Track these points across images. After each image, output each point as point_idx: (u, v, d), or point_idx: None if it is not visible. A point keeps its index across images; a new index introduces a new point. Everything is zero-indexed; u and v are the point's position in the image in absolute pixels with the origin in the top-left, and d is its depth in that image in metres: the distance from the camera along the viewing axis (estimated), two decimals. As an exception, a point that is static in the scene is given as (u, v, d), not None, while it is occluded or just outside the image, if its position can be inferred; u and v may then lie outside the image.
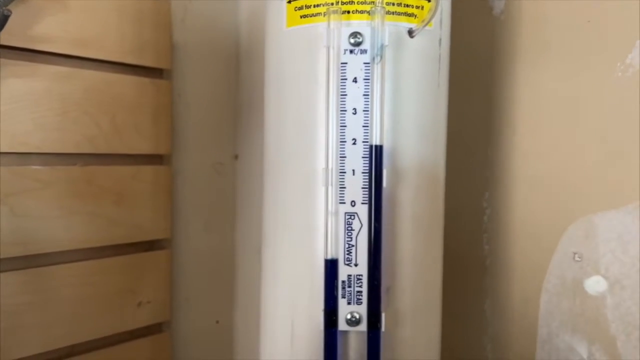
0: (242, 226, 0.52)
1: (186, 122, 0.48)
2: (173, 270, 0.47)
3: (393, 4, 0.26)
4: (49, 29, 0.37)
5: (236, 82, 0.52)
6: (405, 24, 0.27)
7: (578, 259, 0.33)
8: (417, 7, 0.27)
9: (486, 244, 0.38)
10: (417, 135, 0.28)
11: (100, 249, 0.42)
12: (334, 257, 0.26)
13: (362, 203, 0.26)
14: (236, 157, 0.53)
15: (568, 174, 0.34)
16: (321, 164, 0.27)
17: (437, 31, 0.28)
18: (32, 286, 0.38)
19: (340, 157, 0.26)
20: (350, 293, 0.26)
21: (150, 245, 0.45)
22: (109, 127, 0.41)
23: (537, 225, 0.35)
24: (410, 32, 0.27)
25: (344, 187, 0.26)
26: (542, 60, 0.35)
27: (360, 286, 0.26)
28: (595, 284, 0.32)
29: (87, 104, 0.40)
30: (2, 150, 0.36)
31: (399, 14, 0.27)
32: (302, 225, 0.28)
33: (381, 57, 0.26)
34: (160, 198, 0.45)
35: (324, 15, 0.26)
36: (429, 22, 0.27)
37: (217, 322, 0.52)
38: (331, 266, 0.26)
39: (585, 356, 0.32)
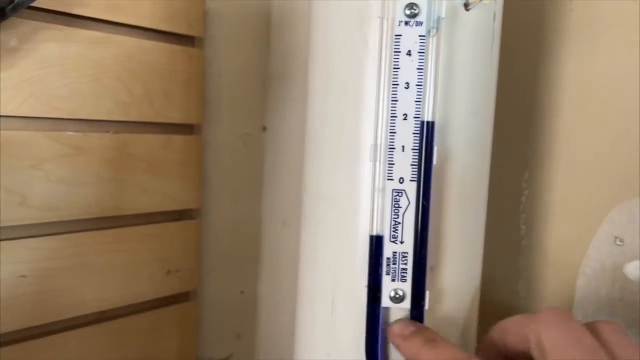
0: (268, 198, 0.52)
1: (216, 92, 0.47)
2: (201, 240, 0.47)
3: (450, -25, 0.25)
4: (84, -8, 0.36)
5: (266, 53, 0.51)
6: (462, -4, 0.26)
7: (619, 243, 0.32)
8: (476, -21, 0.26)
9: (523, 225, 0.37)
10: (468, 112, 0.27)
11: (130, 217, 0.42)
12: (380, 233, 0.26)
13: (411, 180, 0.26)
14: (264, 128, 0.52)
15: (612, 157, 0.33)
16: (367, 138, 0.27)
17: (492, 5, 0.27)
18: (63, 252, 0.38)
19: (390, 132, 0.26)
20: (395, 270, 0.26)
21: (179, 215, 0.45)
22: (141, 95, 0.41)
23: (576, 208, 0.35)
24: (466, 5, 0.26)
25: (393, 164, 0.26)
26: (593, 39, 0.34)
27: (405, 263, 0.26)
28: (635, 269, 0.32)
29: (119, 70, 0.39)
30: (37, 115, 0.36)
31: (456, -15, 0.26)
32: (346, 200, 0.28)
33: (437, 29, 0.25)
34: (190, 168, 0.45)
35: (378, -16, 0.26)
36: (487, -6, 0.26)
37: (242, 292, 0.52)
38: (377, 242, 0.26)
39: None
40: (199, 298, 0.48)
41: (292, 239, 0.50)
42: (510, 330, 0.25)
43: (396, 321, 0.26)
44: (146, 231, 0.42)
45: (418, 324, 0.26)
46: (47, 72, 0.36)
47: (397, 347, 0.26)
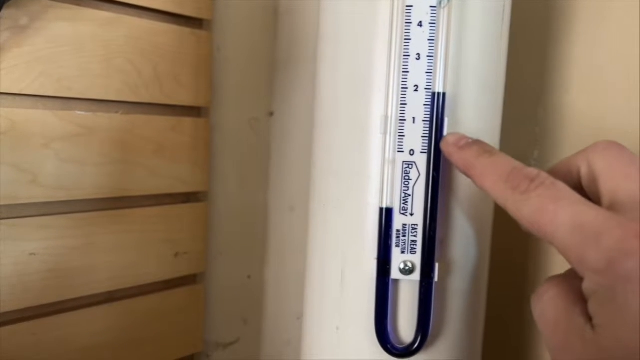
0: (275, 183, 0.52)
1: (224, 76, 0.48)
2: (209, 223, 0.47)
3: (462, -53, 0.25)
4: (94, -29, 0.37)
5: (274, 38, 0.51)
6: (473, -32, 0.26)
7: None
8: (486, -49, 0.26)
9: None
10: (478, 85, 0.27)
11: (139, 198, 0.42)
12: (390, 206, 0.26)
13: (421, 152, 0.26)
14: (271, 114, 0.52)
15: (622, 137, 0.33)
16: (377, 110, 0.27)
17: (503, -23, 0.27)
18: (73, 231, 0.38)
19: (401, 104, 0.26)
20: (405, 242, 0.26)
21: (187, 197, 0.45)
22: (150, 76, 0.41)
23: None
24: (478, -23, 0.26)
25: (403, 136, 0.26)
26: (602, 17, 0.34)
27: (415, 236, 0.26)
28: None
29: (130, 51, 0.39)
30: (49, 94, 0.36)
31: (468, -44, 0.26)
32: (355, 172, 0.28)
33: (449, 0, 0.25)
34: (199, 150, 0.45)
35: (389, -44, 0.26)
36: (498, -34, 0.26)
37: (249, 276, 0.53)
38: (387, 215, 0.26)
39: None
40: (206, 282, 0.48)
41: (299, 224, 0.50)
42: (561, 169, 0.23)
43: (450, 133, 0.26)
44: (155, 213, 0.43)
45: (475, 138, 0.25)
46: (58, 51, 0.36)
47: (450, 155, 0.25)
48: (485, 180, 0.23)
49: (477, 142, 0.25)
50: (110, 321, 0.41)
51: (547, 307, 0.20)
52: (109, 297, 0.41)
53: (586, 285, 0.19)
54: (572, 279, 0.20)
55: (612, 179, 0.21)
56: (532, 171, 0.21)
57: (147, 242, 0.42)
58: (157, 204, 0.43)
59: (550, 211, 0.20)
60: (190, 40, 0.43)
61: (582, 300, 0.20)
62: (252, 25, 0.50)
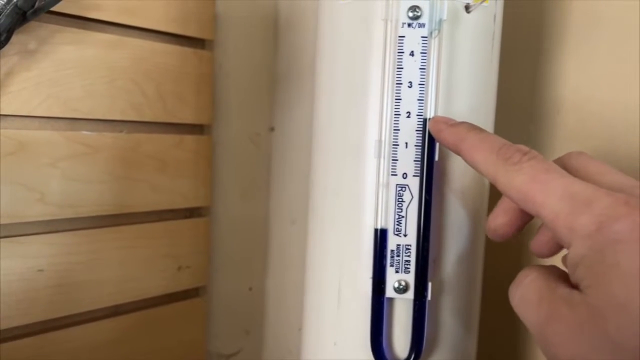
0: (275, 197, 0.53)
1: (226, 93, 0.49)
2: (210, 238, 0.48)
3: (451, -21, 0.26)
4: (99, -4, 0.38)
5: (274, 54, 0.52)
6: (463, -1, 0.27)
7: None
8: (475, -18, 0.27)
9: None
10: (469, 111, 0.28)
11: (143, 214, 0.43)
12: (384, 227, 0.27)
13: (414, 175, 0.27)
14: (272, 129, 0.53)
15: (612, 155, 0.34)
16: (372, 135, 0.28)
17: (492, 7, 0.28)
18: (80, 247, 0.39)
19: (394, 129, 0.27)
20: (399, 262, 0.27)
21: (190, 213, 0.46)
22: (153, 96, 0.42)
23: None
24: (467, 8, 0.27)
25: (396, 160, 0.27)
26: (592, 36, 0.35)
27: (409, 255, 0.27)
28: None
29: (133, 72, 0.41)
30: (56, 115, 0.37)
31: (457, -12, 0.27)
32: (351, 194, 0.29)
33: (439, 31, 0.26)
34: (201, 167, 0.46)
35: (382, -12, 0.27)
36: (487, -3, 0.27)
37: (250, 289, 0.54)
38: (381, 235, 0.27)
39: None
40: (208, 294, 0.49)
41: (299, 237, 0.51)
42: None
43: (437, 115, 0.26)
44: (158, 228, 0.44)
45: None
46: (64, 74, 0.37)
47: (440, 132, 0.25)
48: (476, 153, 0.23)
49: (466, 122, 0.25)
50: (115, 334, 0.42)
51: (527, 289, 0.21)
52: (114, 311, 0.42)
53: (574, 252, 0.19)
54: (548, 267, 0.21)
55: (588, 175, 0.22)
56: (523, 147, 0.22)
57: (150, 256, 0.43)
58: (160, 219, 0.44)
59: (542, 180, 0.20)
60: (193, 60, 0.44)
61: (562, 278, 0.20)
62: (252, 42, 0.51)
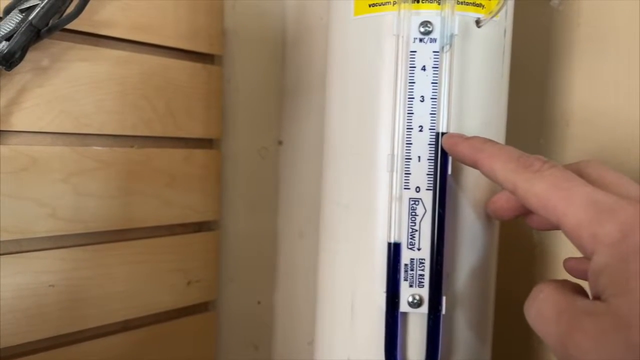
0: (284, 210, 0.53)
1: (234, 108, 0.49)
2: (220, 251, 0.48)
3: (463, -6, 0.27)
4: (111, 14, 0.38)
5: (282, 69, 0.53)
6: (473, 14, 0.27)
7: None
8: (486, -3, 0.27)
9: (536, 233, 0.38)
10: (481, 124, 0.28)
11: (153, 229, 0.43)
12: (398, 241, 0.27)
13: (427, 189, 0.27)
14: (280, 143, 0.53)
15: (623, 166, 0.34)
16: (384, 149, 0.28)
17: (502, 22, 0.29)
18: (90, 262, 0.39)
19: (407, 143, 0.27)
20: (413, 276, 0.27)
21: (199, 227, 0.46)
22: (164, 111, 0.42)
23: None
24: (478, 22, 0.27)
25: (409, 173, 0.27)
26: (601, 51, 0.35)
27: (423, 270, 0.27)
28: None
29: (144, 88, 0.41)
30: (67, 131, 0.37)
31: (468, 3, 0.27)
32: (363, 208, 0.29)
33: (450, 45, 0.26)
34: (210, 181, 0.46)
35: (393, 4, 0.27)
36: (497, 13, 0.27)
37: (259, 302, 0.53)
38: (395, 250, 0.27)
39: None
40: (217, 309, 0.49)
41: (308, 251, 0.51)
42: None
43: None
44: (167, 242, 0.44)
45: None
46: (76, 90, 0.37)
47: (455, 145, 0.25)
48: (494, 162, 0.23)
49: (480, 136, 0.26)
50: (125, 349, 0.42)
51: (543, 304, 0.21)
52: (124, 326, 0.42)
53: (598, 260, 0.19)
54: (562, 282, 0.21)
55: (606, 185, 0.22)
56: (542, 157, 0.22)
57: (160, 271, 0.43)
58: (169, 233, 0.44)
59: (564, 188, 0.20)
60: (202, 75, 0.45)
61: (577, 291, 0.20)
62: (260, 57, 0.51)
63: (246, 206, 0.51)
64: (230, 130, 0.49)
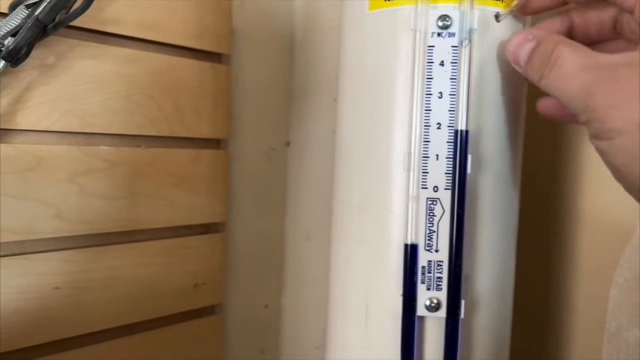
0: (291, 212, 0.53)
1: (242, 108, 0.48)
2: (226, 254, 0.47)
3: (482, -12, 0.26)
4: (118, 11, 0.38)
5: (290, 69, 0.52)
6: (492, 7, 0.26)
7: (653, 252, 0.32)
8: (506, -10, 0.26)
9: (553, 235, 0.37)
10: (500, 121, 0.27)
11: (159, 230, 0.42)
12: (414, 242, 0.26)
13: (445, 189, 0.26)
14: (288, 143, 0.53)
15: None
16: (399, 147, 0.27)
17: (522, 16, 0.28)
18: (96, 264, 0.39)
19: (424, 141, 0.26)
20: (430, 279, 0.26)
21: (206, 228, 0.45)
22: (171, 110, 0.41)
23: (609, 216, 0.34)
24: (497, 17, 0.26)
25: (427, 172, 0.26)
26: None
27: (441, 272, 0.26)
28: (670, 279, 0.31)
29: (151, 87, 0.40)
30: (73, 130, 0.37)
31: (487, -3, 0.26)
32: (378, 208, 0.28)
33: (470, 40, 0.25)
34: (217, 182, 0.45)
35: (410, -3, 0.26)
36: (516, 7, 0.26)
37: (266, 306, 0.53)
38: (412, 251, 0.26)
39: (656, 351, 0.32)
40: (223, 312, 0.48)
41: (315, 253, 0.50)
42: None
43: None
44: (174, 244, 0.43)
45: None
46: (82, 89, 0.37)
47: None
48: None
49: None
50: (131, 353, 0.41)
51: (564, 63, 0.21)
52: (130, 330, 0.41)
53: None
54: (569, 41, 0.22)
55: None
56: None
57: (166, 273, 0.42)
58: (176, 235, 0.43)
59: None
60: (210, 74, 0.44)
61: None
62: (268, 57, 0.51)
63: (253, 208, 0.50)
64: (238, 130, 0.48)
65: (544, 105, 0.26)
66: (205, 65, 0.44)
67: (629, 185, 0.20)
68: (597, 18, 0.25)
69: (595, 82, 0.20)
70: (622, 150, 0.20)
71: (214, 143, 0.46)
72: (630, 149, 0.19)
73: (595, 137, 0.21)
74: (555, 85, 0.21)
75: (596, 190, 0.35)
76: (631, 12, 0.22)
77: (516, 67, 0.24)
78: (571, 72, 0.21)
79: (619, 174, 0.20)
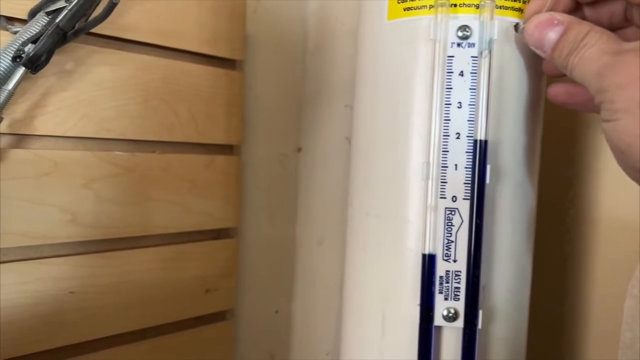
0: (302, 218, 0.53)
1: (255, 114, 0.48)
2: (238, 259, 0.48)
3: (503, -1, 0.26)
4: (135, 18, 0.38)
5: (302, 75, 0.52)
6: (512, 18, 0.26)
7: (670, 263, 0.32)
8: (525, 2, 0.26)
9: (567, 245, 0.37)
10: (519, 132, 0.27)
11: (173, 236, 0.42)
12: (432, 252, 0.26)
13: (464, 199, 0.26)
14: (299, 149, 0.53)
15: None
16: (417, 157, 0.27)
17: (540, 26, 0.28)
18: (110, 269, 0.39)
19: (443, 151, 0.26)
20: (448, 289, 0.26)
21: (219, 234, 0.46)
22: (185, 116, 0.42)
23: (623, 226, 0.34)
24: (517, 27, 0.26)
25: (445, 182, 0.26)
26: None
27: (459, 282, 0.26)
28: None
29: (166, 92, 0.40)
30: (89, 136, 0.37)
31: (507, 8, 0.26)
32: (395, 217, 0.28)
33: (489, 50, 0.25)
34: (230, 187, 0.45)
35: (430, 8, 0.26)
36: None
37: (277, 311, 0.53)
38: (429, 261, 0.26)
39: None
40: (235, 317, 0.48)
41: (326, 259, 0.50)
42: None
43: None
44: (187, 249, 0.43)
45: None
46: (99, 95, 0.37)
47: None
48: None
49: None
50: (143, 358, 0.41)
51: (588, 49, 0.22)
52: (142, 334, 0.41)
53: None
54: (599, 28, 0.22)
55: None
56: None
57: (179, 278, 0.43)
58: (189, 240, 0.43)
59: None
60: (224, 81, 0.44)
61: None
62: (281, 63, 0.51)
63: (265, 213, 0.51)
64: (250, 136, 0.48)
65: (554, 92, 0.27)
66: (219, 71, 0.44)
67: (632, 165, 0.20)
68: (608, 10, 0.25)
69: (608, 64, 0.21)
70: (626, 130, 0.20)
71: (227, 149, 0.46)
72: (633, 129, 0.20)
73: (605, 120, 0.21)
74: (579, 69, 0.22)
75: (611, 201, 0.35)
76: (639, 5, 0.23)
77: (536, 50, 0.25)
78: (592, 56, 0.22)
79: (623, 156, 0.21)
